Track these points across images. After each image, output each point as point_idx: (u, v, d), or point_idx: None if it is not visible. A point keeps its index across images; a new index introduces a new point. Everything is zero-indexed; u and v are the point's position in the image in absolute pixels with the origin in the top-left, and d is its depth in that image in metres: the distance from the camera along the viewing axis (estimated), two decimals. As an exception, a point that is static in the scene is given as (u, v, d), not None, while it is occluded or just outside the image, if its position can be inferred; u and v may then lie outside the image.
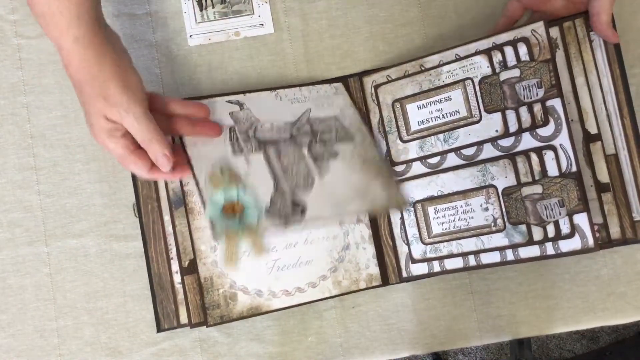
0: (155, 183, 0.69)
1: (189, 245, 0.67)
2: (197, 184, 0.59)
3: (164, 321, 0.68)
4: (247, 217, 0.59)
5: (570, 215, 0.62)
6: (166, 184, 0.68)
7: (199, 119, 0.63)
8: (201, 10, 0.73)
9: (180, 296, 0.68)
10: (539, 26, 0.63)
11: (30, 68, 0.73)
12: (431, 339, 0.72)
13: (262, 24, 0.74)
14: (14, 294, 0.71)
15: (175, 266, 0.68)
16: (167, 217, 0.69)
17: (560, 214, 0.62)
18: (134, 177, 0.70)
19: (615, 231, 0.65)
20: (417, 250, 0.69)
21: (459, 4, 0.75)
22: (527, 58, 0.63)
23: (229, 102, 0.67)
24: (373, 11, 0.75)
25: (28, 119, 0.72)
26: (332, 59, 0.74)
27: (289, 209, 0.61)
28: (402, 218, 0.70)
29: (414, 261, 0.70)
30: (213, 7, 0.73)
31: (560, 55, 0.65)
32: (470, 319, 0.72)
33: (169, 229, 0.69)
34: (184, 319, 0.68)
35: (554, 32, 0.65)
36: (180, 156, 0.62)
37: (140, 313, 0.71)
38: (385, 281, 0.71)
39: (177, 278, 0.68)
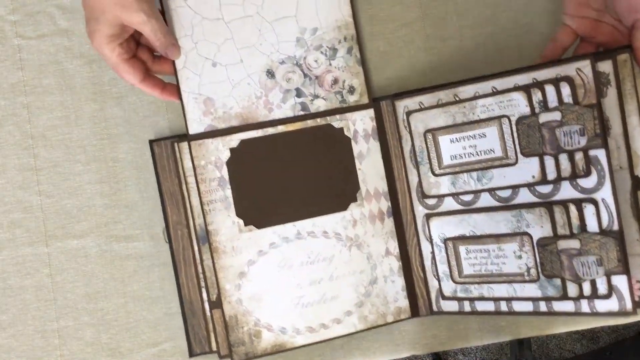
0: (185, 210, 0.69)
1: (215, 281, 0.67)
2: None
3: (195, 346, 0.70)
4: None
5: (608, 275, 0.57)
6: (193, 218, 0.68)
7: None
8: None
9: (212, 324, 0.69)
10: (586, 65, 0.56)
11: (31, 68, 0.72)
12: (432, 339, 0.71)
13: None
14: (15, 294, 0.71)
15: (206, 295, 0.70)
16: (196, 247, 0.69)
17: (597, 272, 0.57)
18: (163, 202, 0.70)
19: (661, 286, 0.60)
20: (448, 287, 0.67)
21: (459, 4, 0.72)
22: (570, 100, 0.57)
23: None
24: (373, 11, 0.71)
25: (28, 120, 0.72)
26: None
27: None
28: (432, 252, 0.67)
29: (445, 297, 0.67)
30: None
31: (612, 93, 0.57)
32: (470, 319, 0.70)
33: (198, 257, 0.69)
34: (215, 345, 0.70)
35: (606, 66, 0.57)
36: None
37: (140, 314, 0.72)
38: (415, 313, 0.69)
39: (207, 306, 0.70)
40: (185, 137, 0.68)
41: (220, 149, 0.67)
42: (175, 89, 0.67)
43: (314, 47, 0.68)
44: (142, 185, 0.72)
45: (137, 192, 0.72)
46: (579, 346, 1.54)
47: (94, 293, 0.72)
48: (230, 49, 0.67)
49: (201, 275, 0.69)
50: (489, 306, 0.65)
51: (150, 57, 0.67)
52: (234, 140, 0.67)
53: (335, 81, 0.68)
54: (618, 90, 0.58)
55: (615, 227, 0.56)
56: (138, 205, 0.72)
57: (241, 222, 0.67)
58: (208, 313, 0.69)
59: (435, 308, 0.69)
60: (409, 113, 0.67)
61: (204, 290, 0.69)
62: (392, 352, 0.71)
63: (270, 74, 0.67)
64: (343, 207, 0.68)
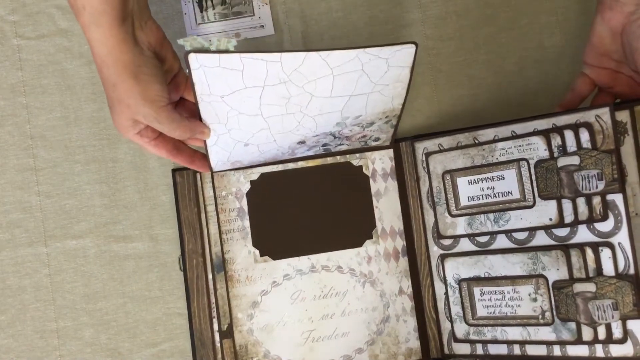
0: (202, 239, 0.70)
1: (227, 310, 0.67)
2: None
3: (203, 378, 0.70)
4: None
5: (623, 319, 0.57)
6: (210, 247, 0.68)
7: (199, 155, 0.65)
8: (201, 11, 0.72)
9: (220, 355, 0.69)
10: (604, 112, 0.58)
11: (30, 69, 0.72)
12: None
13: (263, 25, 0.73)
14: (14, 294, 0.70)
15: (216, 325, 0.69)
16: (210, 276, 0.69)
17: (612, 317, 0.58)
18: (180, 231, 0.70)
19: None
20: (460, 329, 0.67)
21: (459, 5, 0.74)
22: (589, 146, 0.58)
23: None
24: (373, 12, 0.74)
25: (28, 120, 0.72)
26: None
27: None
28: (446, 293, 0.68)
29: (457, 340, 0.67)
30: (213, 9, 0.72)
31: (628, 142, 0.59)
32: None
33: (212, 287, 0.69)
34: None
35: (624, 115, 0.59)
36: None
37: (139, 314, 0.71)
38: (426, 355, 0.69)
39: (217, 337, 0.69)
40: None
41: (242, 181, 0.68)
42: (204, 160, 0.66)
43: (352, 124, 0.66)
44: (141, 186, 0.72)
45: (136, 193, 0.72)
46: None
47: (93, 293, 0.71)
48: (264, 135, 0.63)
49: (213, 306, 0.69)
50: (502, 349, 0.64)
51: None
52: (255, 173, 0.68)
53: (363, 136, 0.68)
54: (635, 139, 0.59)
55: (632, 271, 0.57)
56: (137, 206, 0.72)
57: (257, 252, 0.68)
58: (218, 344, 0.69)
59: (446, 350, 0.68)
60: (428, 154, 0.68)
61: (214, 321, 0.69)
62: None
63: (302, 142, 0.66)
64: (358, 243, 0.69)
